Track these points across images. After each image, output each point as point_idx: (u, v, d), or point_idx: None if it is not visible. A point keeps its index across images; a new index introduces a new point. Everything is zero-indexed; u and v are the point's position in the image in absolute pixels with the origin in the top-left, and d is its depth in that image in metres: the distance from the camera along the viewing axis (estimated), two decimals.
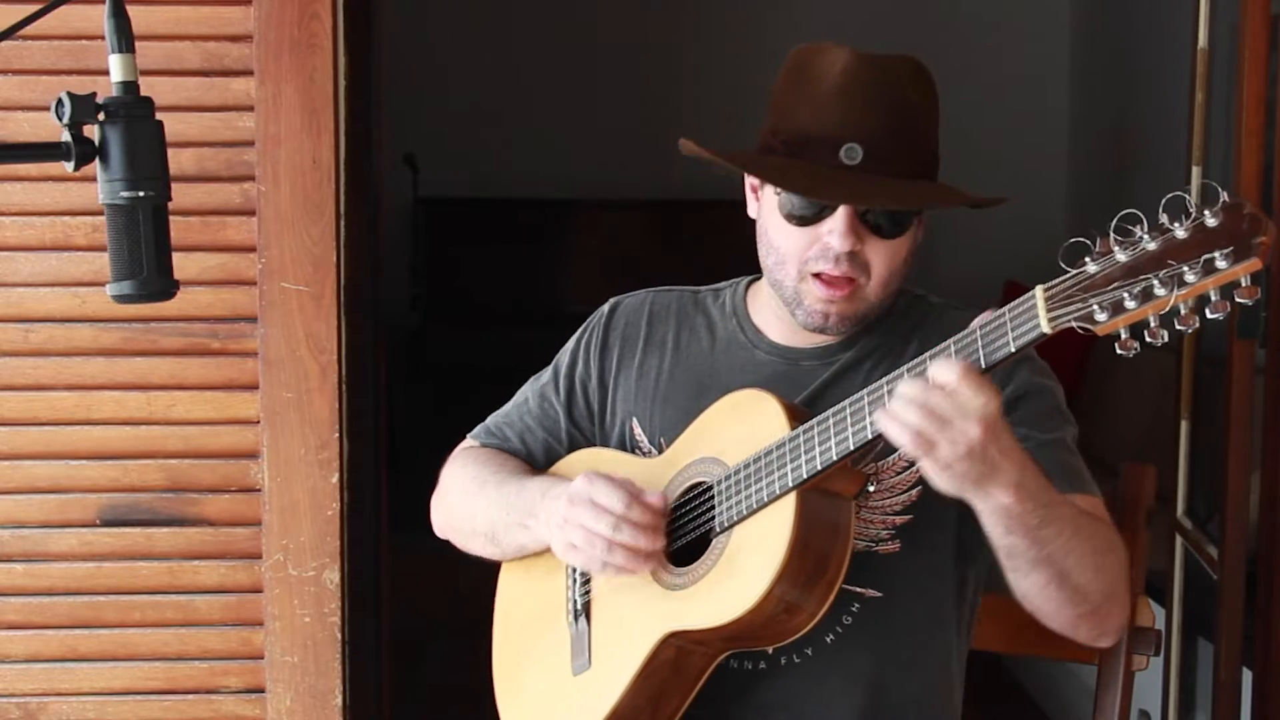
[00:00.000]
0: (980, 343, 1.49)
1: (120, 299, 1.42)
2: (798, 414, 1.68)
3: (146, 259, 1.41)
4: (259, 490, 2.50)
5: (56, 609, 2.51)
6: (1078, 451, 1.80)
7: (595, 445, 1.95)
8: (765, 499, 1.64)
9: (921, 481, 1.74)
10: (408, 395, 5.44)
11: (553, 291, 6.07)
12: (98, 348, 2.49)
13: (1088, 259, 1.41)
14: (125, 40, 1.41)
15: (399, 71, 5.03)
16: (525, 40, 6.25)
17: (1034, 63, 6.31)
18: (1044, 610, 1.67)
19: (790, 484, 1.62)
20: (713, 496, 1.72)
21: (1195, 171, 3.31)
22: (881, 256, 1.74)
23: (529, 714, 1.87)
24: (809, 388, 1.82)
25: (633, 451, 1.90)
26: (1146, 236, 1.37)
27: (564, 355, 1.99)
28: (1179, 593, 3.32)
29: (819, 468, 1.60)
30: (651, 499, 1.71)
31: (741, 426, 1.71)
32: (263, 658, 2.52)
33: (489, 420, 2.03)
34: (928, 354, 1.53)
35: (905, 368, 1.55)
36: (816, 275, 1.74)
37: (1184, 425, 3.30)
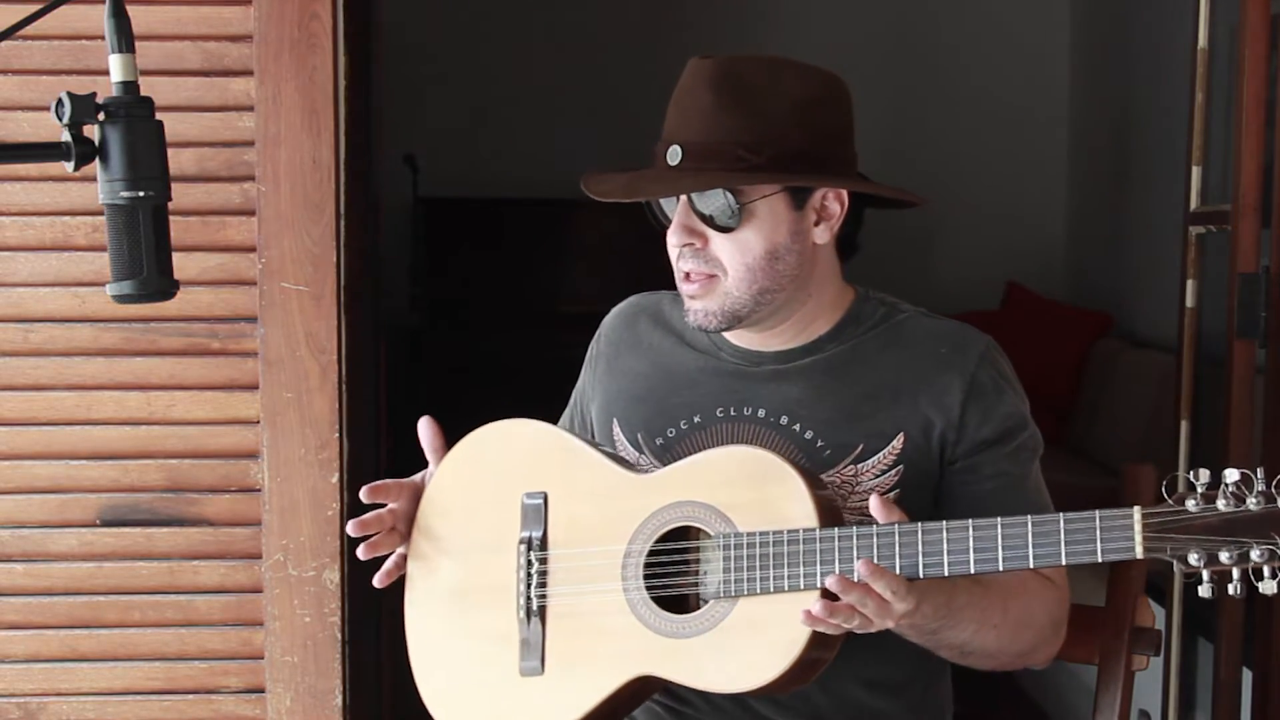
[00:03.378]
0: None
1: (120, 299, 1.42)
2: (824, 504, 1.68)
3: (146, 259, 1.41)
4: (259, 490, 2.50)
5: (56, 609, 2.51)
6: (1039, 470, 1.86)
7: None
8: (786, 588, 1.66)
9: (899, 486, 1.80)
10: (408, 395, 5.44)
11: (552, 292, 6.06)
12: (98, 348, 2.49)
13: (1188, 498, 1.51)
14: (125, 40, 1.41)
15: (399, 71, 5.03)
16: (525, 40, 6.24)
17: (1034, 63, 6.30)
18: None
19: (820, 584, 1.64)
20: (708, 549, 1.72)
21: (1195, 171, 3.31)
22: (727, 251, 1.78)
23: (462, 701, 1.86)
24: (769, 389, 1.86)
25: (614, 449, 1.93)
26: (1252, 499, 1.48)
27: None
28: (1179, 593, 3.32)
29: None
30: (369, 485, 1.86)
31: (754, 490, 1.70)
32: (263, 658, 2.52)
33: None
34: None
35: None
36: (686, 275, 1.82)
37: (1184, 425, 3.30)
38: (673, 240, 1.81)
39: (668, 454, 1.88)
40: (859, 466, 1.80)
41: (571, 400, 2.09)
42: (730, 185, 1.75)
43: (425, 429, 1.92)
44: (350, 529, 1.85)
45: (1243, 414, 2.91)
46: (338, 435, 2.49)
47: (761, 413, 1.85)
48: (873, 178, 1.87)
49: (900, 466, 1.80)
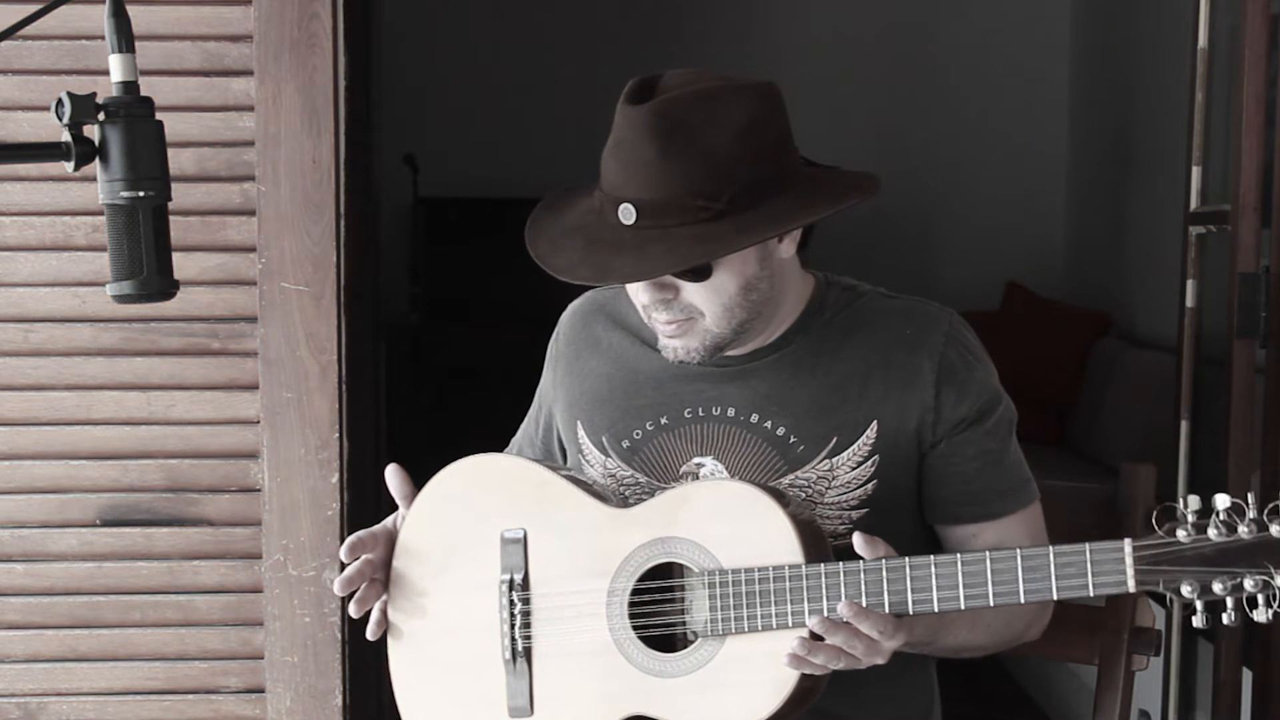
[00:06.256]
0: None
1: (120, 299, 1.42)
2: (807, 535, 1.65)
3: (146, 259, 1.41)
4: (259, 490, 2.50)
5: (56, 609, 2.51)
6: (1016, 442, 1.85)
7: (564, 456, 1.98)
8: (775, 625, 1.63)
9: (876, 475, 1.78)
10: (408, 395, 5.45)
11: (553, 291, 6.05)
12: (98, 348, 2.49)
13: (1179, 528, 1.50)
14: (125, 40, 1.40)
15: (399, 71, 5.04)
16: (525, 40, 6.25)
17: (1034, 63, 6.30)
18: None
19: (808, 621, 1.62)
20: (692, 585, 1.70)
21: (1195, 171, 3.31)
22: (702, 296, 1.73)
23: None
24: (737, 387, 1.83)
25: (580, 453, 1.91)
26: (1243, 527, 1.48)
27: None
28: None
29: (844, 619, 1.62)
30: (347, 542, 1.81)
31: (736, 524, 1.67)
32: (263, 658, 2.52)
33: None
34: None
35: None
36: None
37: (1184, 425, 3.30)
38: (643, 300, 1.75)
39: (635, 457, 1.86)
40: (834, 460, 1.78)
41: (535, 403, 2.06)
42: (709, 256, 1.67)
43: (393, 477, 1.86)
44: (336, 588, 1.81)
45: (1243, 414, 2.91)
46: (338, 435, 2.49)
47: (731, 411, 1.82)
48: (845, 166, 1.81)
49: (876, 456, 1.78)
